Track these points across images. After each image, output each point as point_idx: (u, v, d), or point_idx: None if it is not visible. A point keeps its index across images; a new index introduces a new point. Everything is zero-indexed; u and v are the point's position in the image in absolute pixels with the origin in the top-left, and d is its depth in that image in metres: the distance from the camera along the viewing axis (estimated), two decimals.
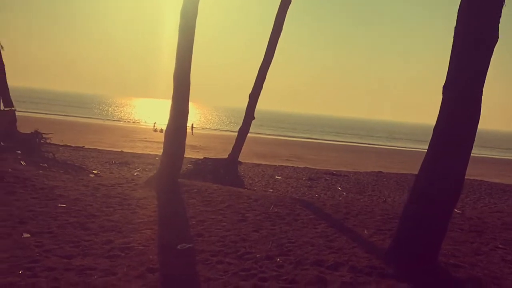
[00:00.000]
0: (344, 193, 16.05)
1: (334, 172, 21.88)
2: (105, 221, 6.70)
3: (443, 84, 5.70)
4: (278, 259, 5.66)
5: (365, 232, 7.16)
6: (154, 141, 30.84)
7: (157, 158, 21.11)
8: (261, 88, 15.17)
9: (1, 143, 13.76)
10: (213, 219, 7.30)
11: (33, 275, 4.66)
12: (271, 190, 17.17)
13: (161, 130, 37.43)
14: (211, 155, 21.72)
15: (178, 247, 5.77)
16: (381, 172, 24.07)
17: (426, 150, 5.88)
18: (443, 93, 5.69)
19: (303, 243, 6.33)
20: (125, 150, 24.16)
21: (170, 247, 5.81)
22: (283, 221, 7.49)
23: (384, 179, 20.89)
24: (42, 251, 5.32)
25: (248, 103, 15.28)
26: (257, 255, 5.71)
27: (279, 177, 20.61)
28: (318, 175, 21.33)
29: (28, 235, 5.83)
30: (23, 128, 18.17)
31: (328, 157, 33.36)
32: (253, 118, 15.26)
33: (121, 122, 55.44)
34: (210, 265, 5.31)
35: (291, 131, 69.77)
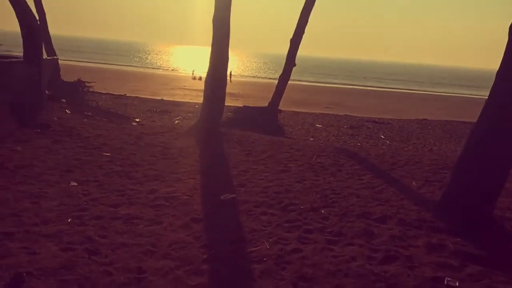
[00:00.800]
0: (388, 142, 15.60)
1: (377, 120, 21.28)
2: (148, 170, 6.75)
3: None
4: (323, 210, 5.53)
5: (413, 183, 6.89)
6: (193, 89, 30.86)
7: (196, 107, 21.15)
8: (303, 33, 14.54)
9: (47, 91, 14.05)
10: (255, 169, 7.21)
11: (81, 223, 4.75)
12: (312, 139, 16.92)
13: (200, 78, 37.31)
14: (250, 103, 21.52)
15: (221, 197, 5.74)
16: (425, 119, 23.21)
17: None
18: (509, 34, 5.13)
19: (348, 194, 6.16)
20: (165, 98, 24.31)
21: (213, 197, 5.79)
22: (326, 171, 7.31)
23: (429, 127, 20.15)
24: (89, 200, 5.42)
25: (289, 48, 14.73)
26: (301, 207, 5.60)
27: (320, 125, 20.27)
28: (359, 123, 20.83)
29: (75, 184, 5.95)
30: (67, 77, 18.53)
31: (370, 104, 32.40)
32: (294, 64, 14.76)
33: (160, 70, 55.74)
34: (253, 216, 5.25)
35: (331, 78, 67.98)
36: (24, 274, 3.65)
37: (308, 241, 4.66)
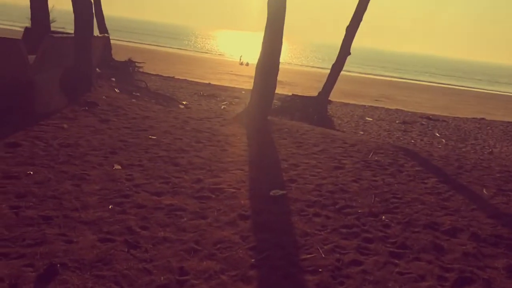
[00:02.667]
0: (444, 140, 14.60)
1: (431, 117, 20.13)
2: (194, 157, 6.39)
3: None
4: (384, 217, 4.96)
5: (484, 191, 6.16)
6: (240, 75, 30.52)
7: (243, 92, 20.80)
8: (361, 20, 13.73)
9: (97, 69, 14.06)
10: (307, 163, 6.69)
11: (122, 211, 4.44)
12: (362, 133, 16.21)
13: (247, 64, 36.91)
14: (297, 91, 20.87)
15: (271, 193, 5.28)
16: (483, 119, 21.78)
17: None
18: None
19: (412, 200, 5.55)
20: (212, 82, 24.11)
21: (262, 192, 5.34)
22: (385, 171, 6.69)
23: (488, 127, 18.82)
24: (132, 186, 5.11)
25: (345, 37, 13.96)
26: (359, 210, 5.05)
27: (370, 119, 19.50)
28: (412, 118, 19.80)
29: (119, 167, 5.67)
30: (118, 56, 18.60)
31: (421, 99, 30.91)
32: (349, 53, 13.99)
33: (208, 54, 55.80)
34: (306, 217, 4.76)
35: (381, 69, 65.65)
36: (58, 265, 3.35)
37: (368, 252, 4.13)
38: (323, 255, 3.98)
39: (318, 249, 4.09)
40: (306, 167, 6.48)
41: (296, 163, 6.63)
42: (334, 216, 4.86)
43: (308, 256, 3.95)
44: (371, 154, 7.58)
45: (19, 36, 10.52)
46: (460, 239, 4.56)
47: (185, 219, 4.42)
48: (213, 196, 5.08)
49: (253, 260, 3.78)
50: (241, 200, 5.01)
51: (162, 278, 3.40)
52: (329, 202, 5.24)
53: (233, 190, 5.28)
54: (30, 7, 11.73)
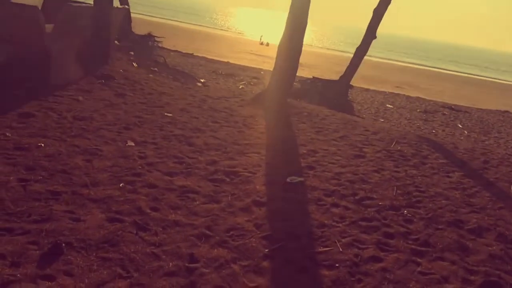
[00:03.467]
0: (466, 132, 14.16)
1: (453, 107, 19.56)
2: (210, 138, 6.18)
3: None
4: (406, 211, 4.71)
5: None
6: (259, 55, 30.06)
7: (262, 73, 20.45)
8: (389, 3, 13.19)
9: (116, 42, 13.86)
10: (326, 150, 6.44)
11: (133, 190, 4.28)
12: (382, 120, 15.84)
13: (267, 44, 36.30)
14: (317, 74, 20.42)
15: (288, 179, 5.06)
16: (508, 111, 21.09)
17: None
18: None
19: (435, 194, 5.27)
20: (231, 61, 23.77)
21: (278, 178, 5.12)
22: (408, 162, 6.39)
23: None
24: (144, 164, 4.94)
25: (371, 19, 13.45)
26: (380, 203, 4.81)
27: (391, 106, 19.08)
28: (434, 107, 19.29)
29: (132, 144, 5.50)
30: (137, 30, 18.35)
31: (444, 87, 30.08)
32: (375, 37, 13.50)
33: (228, 32, 55.12)
34: (324, 207, 4.54)
35: (403, 55, 64.14)
36: (63, 244, 3.20)
37: (389, 249, 3.90)
38: (341, 249, 3.77)
39: (335, 242, 3.88)
40: (325, 154, 6.23)
41: (315, 149, 6.38)
42: (353, 208, 4.63)
43: (325, 249, 3.74)
44: (393, 143, 7.28)
45: (39, 5, 10.36)
46: (487, 239, 4.30)
47: (197, 202, 4.24)
48: (228, 179, 4.88)
49: (266, 250, 3.59)
50: (256, 186, 4.81)
51: (170, 264, 3.23)
52: (349, 192, 5.00)
53: (249, 174, 5.08)
54: None
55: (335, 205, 4.64)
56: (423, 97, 22.57)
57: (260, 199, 4.49)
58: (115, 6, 10.44)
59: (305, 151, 6.24)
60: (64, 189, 4.06)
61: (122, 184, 4.36)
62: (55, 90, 7.19)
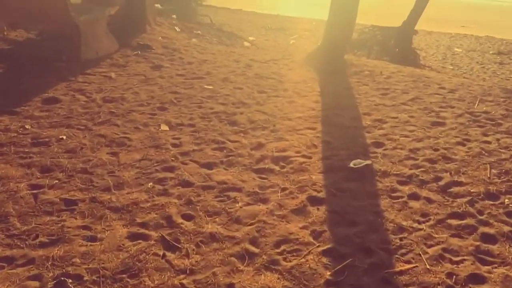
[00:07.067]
0: None
1: None
2: (256, 113, 5.31)
3: None
4: (507, 199, 3.65)
5: None
6: (310, 3, 28.19)
7: (314, 23, 19.05)
8: None
9: (158, 5, 13.06)
10: (396, 119, 5.35)
11: (164, 191, 3.55)
12: (451, 67, 14.14)
13: None
14: (374, 20, 18.60)
15: (351, 164, 4.10)
16: None
17: None
18: None
19: None
20: (281, 13, 22.39)
21: (339, 162, 4.19)
22: (498, 128, 5.17)
23: None
24: (179, 154, 4.19)
25: None
26: (471, 190, 3.76)
27: (459, 50, 17.15)
28: (508, 47, 17.13)
29: (166, 128, 4.76)
30: None
31: None
32: None
33: None
34: (399, 201, 3.58)
35: None
36: (69, 282, 2.56)
37: (492, 260, 2.93)
38: (428, 265, 2.85)
39: (420, 255, 2.95)
40: (395, 124, 5.16)
41: (381, 119, 5.32)
42: (438, 199, 3.63)
43: (407, 266, 2.84)
44: (477, 102, 6.02)
45: None
46: None
47: (239, 204, 3.44)
48: (277, 168, 4.02)
49: (328, 273, 2.75)
50: (312, 175, 3.92)
51: None
52: (430, 176, 3.98)
53: (302, 160, 4.18)
54: None
55: (414, 196, 3.66)
56: (493, 35, 20.26)
57: (318, 194, 3.61)
58: None
59: (370, 122, 5.21)
60: (81, 195, 3.42)
61: (151, 184, 3.65)
62: (86, 67, 6.57)
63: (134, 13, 8.56)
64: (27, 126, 4.49)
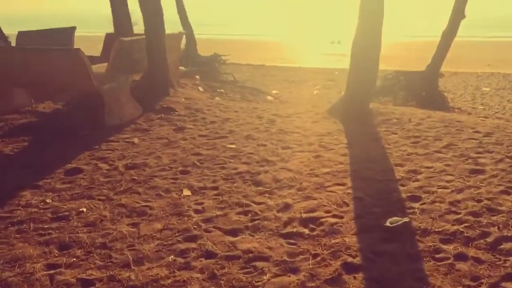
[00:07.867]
0: None
1: None
2: (281, 171, 5.09)
3: None
4: None
5: None
6: (331, 54, 28.58)
7: (336, 73, 19.15)
8: None
9: (182, 67, 13.41)
10: (430, 169, 5.02)
11: (186, 265, 3.31)
12: (482, 107, 13.76)
13: (338, 42, 34.61)
14: (396, 66, 18.53)
15: (388, 222, 3.78)
16: None
17: None
18: None
19: None
20: (302, 65, 22.72)
21: (374, 222, 3.88)
22: None
23: None
24: (201, 221, 3.98)
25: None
26: None
27: (487, 89, 16.83)
28: None
29: (189, 193, 4.59)
30: (206, 51, 17.94)
31: None
32: (464, 16, 11.55)
33: (293, 38, 53.86)
34: (445, 264, 3.21)
35: (487, 30, 57.80)
36: None
37: None
38: None
39: None
40: (430, 175, 4.83)
41: (415, 169, 5.01)
42: (488, 259, 3.25)
43: None
44: None
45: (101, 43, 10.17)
46: None
47: (267, 276, 3.16)
48: (306, 232, 3.74)
49: None
50: (345, 237, 3.61)
51: None
52: (476, 232, 3.61)
53: (334, 220, 3.89)
54: (112, 12, 11.33)
55: (461, 256, 3.29)
56: None
57: (353, 260, 3.29)
58: (171, 32, 9.84)
59: (403, 174, 4.90)
60: (99, 274, 3.21)
61: (172, 257, 3.42)
62: (110, 134, 6.60)
63: (157, 77, 8.72)
64: (48, 200, 4.41)
